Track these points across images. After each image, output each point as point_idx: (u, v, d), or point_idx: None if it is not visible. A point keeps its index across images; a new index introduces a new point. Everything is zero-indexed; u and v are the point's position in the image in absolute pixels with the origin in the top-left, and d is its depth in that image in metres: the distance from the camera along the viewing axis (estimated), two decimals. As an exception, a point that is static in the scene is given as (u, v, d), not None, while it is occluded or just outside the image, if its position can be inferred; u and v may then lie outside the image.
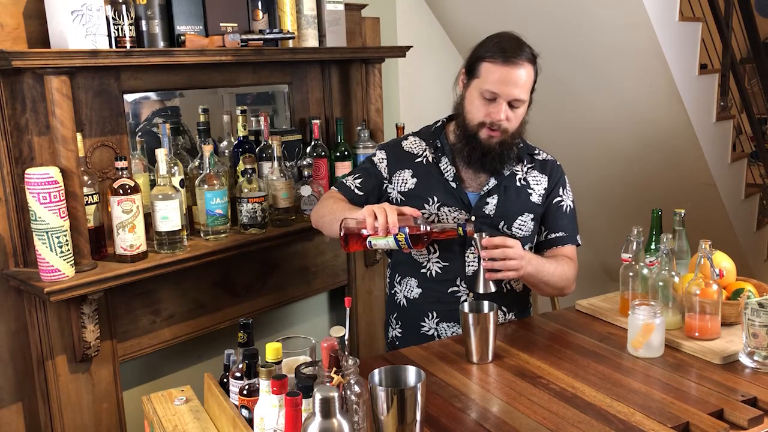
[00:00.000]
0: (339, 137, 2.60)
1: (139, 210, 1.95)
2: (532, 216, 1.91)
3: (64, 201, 1.83)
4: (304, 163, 2.47)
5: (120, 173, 1.94)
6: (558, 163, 1.99)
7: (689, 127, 3.11)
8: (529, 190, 1.91)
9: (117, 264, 1.95)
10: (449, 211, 1.87)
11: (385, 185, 1.94)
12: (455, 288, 1.89)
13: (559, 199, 1.95)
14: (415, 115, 3.06)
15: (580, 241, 1.97)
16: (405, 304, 1.96)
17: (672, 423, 1.32)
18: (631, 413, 1.37)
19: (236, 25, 2.21)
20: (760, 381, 1.49)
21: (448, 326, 1.91)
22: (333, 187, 1.99)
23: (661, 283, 1.71)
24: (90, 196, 1.95)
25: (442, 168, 1.90)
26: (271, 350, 1.27)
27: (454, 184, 1.88)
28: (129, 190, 1.93)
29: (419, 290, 1.92)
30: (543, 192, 1.93)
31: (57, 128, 1.80)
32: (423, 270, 1.91)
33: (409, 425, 1.23)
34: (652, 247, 1.87)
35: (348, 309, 1.39)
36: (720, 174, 3.35)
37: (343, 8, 2.55)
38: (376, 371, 1.28)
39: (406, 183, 1.92)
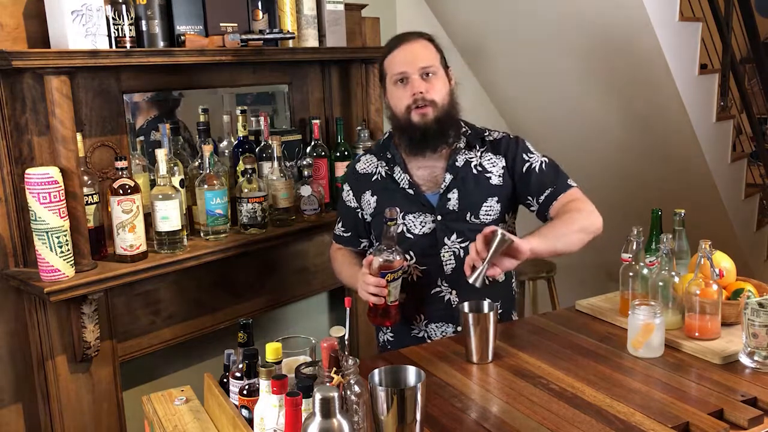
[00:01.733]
0: (339, 137, 2.60)
1: (139, 210, 1.95)
2: (496, 198, 1.89)
3: (64, 201, 1.83)
4: (304, 163, 2.47)
5: (120, 173, 1.94)
6: (513, 136, 1.96)
7: (689, 127, 3.11)
8: (487, 174, 1.90)
9: (117, 264, 1.95)
10: (414, 217, 1.88)
11: (359, 213, 1.98)
12: (438, 288, 1.89)
13: (527, 164, 1.89)
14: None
15: (574, 184, 1.89)
16: None
17: (672, 423, 1.32)
18: (631, 413, 1.36)
19: (236, 25, 2.21)
20: (760, 381, 1.49)
21: (437, 326, 1.91)
22: (333, 240, 2.11)
23: (661, 283, 1.71)
24: (90, 196, 1.95)
25: (396, 178, 1.92)
26: (271, 350, 1.27)
27: (411, 191, 1.89)
28: (129, 190, 1.93)
29: (403, 295, 1.91)
30: (502, 172, 1.90)
31: (57, 128, 1.80)
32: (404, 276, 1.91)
33: (409, 425, 1.23)
34: (652, 247, 1.87)
35: (348, 309, 1.39)
36: (720, 174, 3.35)
37: (343, 8, 2.55)
38: (376, 371, 1.28)
39: (370, 204, 1.95)
